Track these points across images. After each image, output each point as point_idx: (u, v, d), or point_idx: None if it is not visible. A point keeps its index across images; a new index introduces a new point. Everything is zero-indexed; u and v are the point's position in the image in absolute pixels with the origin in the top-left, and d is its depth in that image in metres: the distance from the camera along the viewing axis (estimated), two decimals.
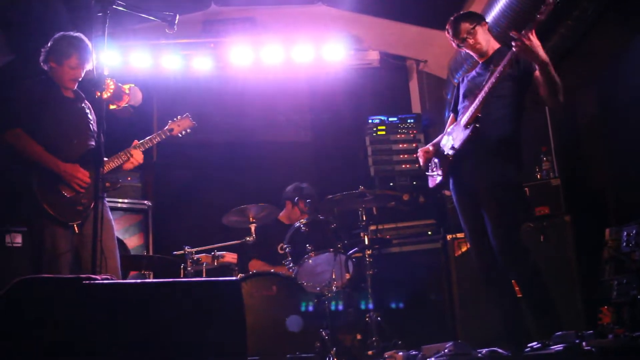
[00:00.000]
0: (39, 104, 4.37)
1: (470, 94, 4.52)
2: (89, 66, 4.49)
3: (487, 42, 4.55)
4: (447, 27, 4.64)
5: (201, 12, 7.01)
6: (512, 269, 4.30)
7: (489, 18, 5.64)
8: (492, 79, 4.23)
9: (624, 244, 4.72)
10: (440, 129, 7.52)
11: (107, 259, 4.16)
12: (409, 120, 7.29)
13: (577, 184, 5.88)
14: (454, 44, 4.66)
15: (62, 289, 2.70)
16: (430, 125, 7.55)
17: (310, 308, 5.14)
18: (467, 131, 4.35)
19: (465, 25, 4.51)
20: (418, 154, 4.84)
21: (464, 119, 4.41)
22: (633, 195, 5.27)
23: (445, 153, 4.58)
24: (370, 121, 7.24)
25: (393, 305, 6.06)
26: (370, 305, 5.35)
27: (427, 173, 4.79)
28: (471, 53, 4.65)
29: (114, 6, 3.78)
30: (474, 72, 4.67)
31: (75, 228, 4.30)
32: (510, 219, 4.32)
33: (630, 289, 4.54)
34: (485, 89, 4.27)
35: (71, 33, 4.52)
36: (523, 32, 4.12)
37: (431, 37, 7.19)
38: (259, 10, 7.12)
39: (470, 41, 4.52)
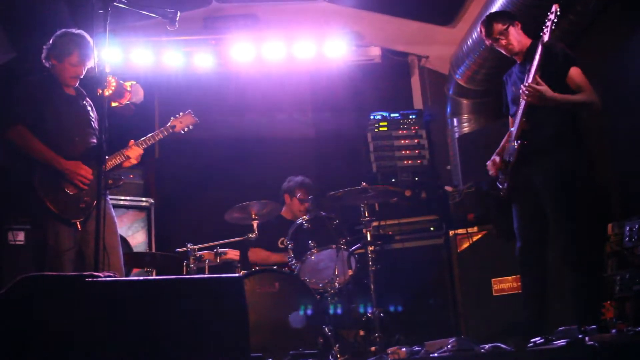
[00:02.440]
0: (41, 101, 4.37)
1: (517, 100, 4.60)
2: (90, 63, 4.49)
3: (519, 42, 4.64)
4: (479, 26, 4.74)
5: (202, 9, 7.01)
6: (570, 269, 4.44)
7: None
8: (534, 70, 4.32)
9: (627, 238, 4.71)
10: (442, 124, 7.58)
11: (110, 256, 4.17)
12: (410, 116, 7.29)
13: None
14: (486, 42, 4.75)
15: (65, 286, 2.71)
16: (432, 121, 7.54)
17: (313, 304, 5.14)
18: (516, 146, 4.49)
19: (498, 26, 4.61)
20: (488, 168, 4.87)
21: (514, 131, 4.54)
22: (635, 190, 5.26)
23: (507, 162, 4.68)
24: (372, 117, 7.23)
25: (395, 301, 6.05)
26: (373, 302, 5.34)
27: (497, 184, 4.84)
28: (503, 52, 4.72)
29: (115, 3, 3.79)
30: (514, 74, 4.76)
31: (78, 225, 4.30)
32: (572, 220, 4.44)
33: (633, 283, 4.53)
34: (532, 79, 4.34)
35: (72, 30, 4.52)
36: (528, 83, 4.31)
37: (433, 33, 7.19)
38: (260, 7, 7.11)
39: (503, 42, 4.62)
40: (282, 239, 6.12)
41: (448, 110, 7.48)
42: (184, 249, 5.61)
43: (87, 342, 2.57)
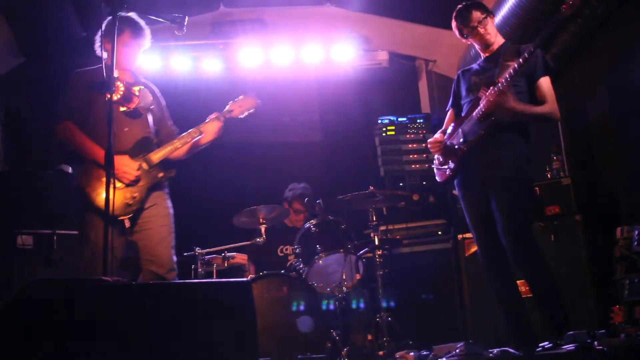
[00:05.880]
0: (89, 96, 4.24)
1: (476, 88, 4.43)
2: (144, 43, 4.44)
3: (495, 34, 4.49)
4: (454, 15, 4.53)
5: (210, 13, 7.03)
6: (522, 266, 4.24)
7: (498, 17, 5.62)
8: (510, 71, 4.12)
9: (635, 242, 4.69)
10: None
11: (158, 247, 4.24)
12: (418, 120, 7.29)
13: (588, 182, 5.85)
14: (458, 33, 4.55)
15: (74, 290, 2.72)
16: (439, 125, 7.51)
17: (321, 308, 5.14)
18: (484, 124, 4.29)
19: (477, 14, 4.42)
20: (430, 145, 4.70)
21: (477, 111, 4.33)
22: None
23: (457, 147, 4.50)
24: (379, 121, 7.24)
25: (404, 305, 6.04)
26: (381, 306, 5.33)
27: (434, 167, 4.72)
28: (477, 44, 4.54)
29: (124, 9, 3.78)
30: (476, 66, 4.60)
31: (126, 222, 4.16)
32: (524, 215, 4.25)
33: None
34: (504, 82, 4.13)
35: (121, 12, 4.13)
36: (492, 88, 4.14)
37: (440, 37, 7.18)
38: (268, 11, 7.13)
39: (481, 30, 4.43)
40: (281, 247, 6.15)
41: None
42: (192, 253, 5.62)
43: (96, 346, 2.58)
